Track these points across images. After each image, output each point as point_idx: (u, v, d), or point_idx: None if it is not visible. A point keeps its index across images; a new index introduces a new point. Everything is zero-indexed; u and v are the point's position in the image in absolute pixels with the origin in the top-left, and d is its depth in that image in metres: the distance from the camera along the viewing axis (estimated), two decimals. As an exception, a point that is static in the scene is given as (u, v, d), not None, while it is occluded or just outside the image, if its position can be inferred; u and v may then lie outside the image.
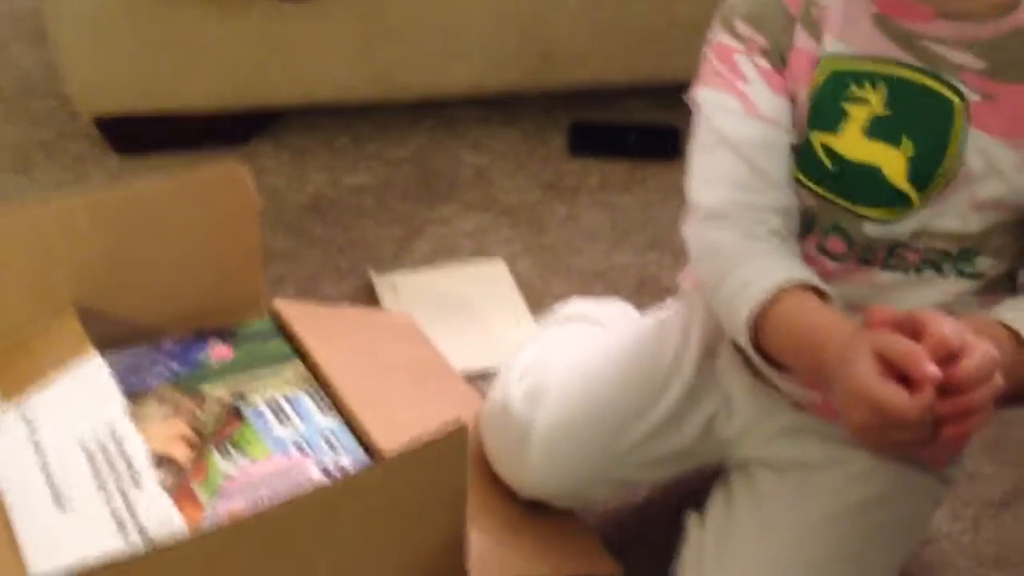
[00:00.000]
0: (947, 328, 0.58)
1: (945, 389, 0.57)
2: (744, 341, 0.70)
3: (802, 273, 0.69)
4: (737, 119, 0.73)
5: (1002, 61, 0.67)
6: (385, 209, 1.32)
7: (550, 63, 1.38)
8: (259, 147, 1.42)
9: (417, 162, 1.40)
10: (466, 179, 1.38)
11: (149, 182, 0.79)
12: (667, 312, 0.87)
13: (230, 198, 0.82)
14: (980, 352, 0.57)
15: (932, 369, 0.56)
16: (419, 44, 1.34)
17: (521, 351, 0.94)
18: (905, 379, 0.57)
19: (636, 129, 1.44)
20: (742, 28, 0.73)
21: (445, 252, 1.25)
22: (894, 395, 0.57)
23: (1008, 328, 0.65)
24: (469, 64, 1.36)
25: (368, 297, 1.17)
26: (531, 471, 0.81)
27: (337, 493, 0.60)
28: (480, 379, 1.06)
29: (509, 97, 1.45)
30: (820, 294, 0.69)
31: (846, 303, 0.72)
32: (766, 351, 0.70)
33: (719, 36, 0.75)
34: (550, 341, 0.94)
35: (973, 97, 0.68)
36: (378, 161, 1.40)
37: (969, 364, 0.57)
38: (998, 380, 0.58)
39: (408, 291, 1.17)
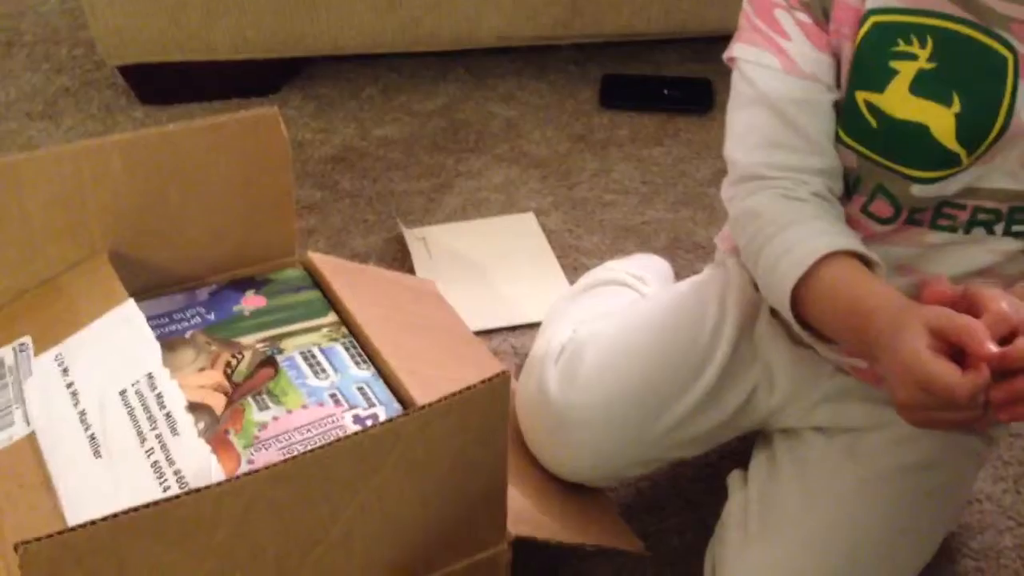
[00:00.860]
0: (1005, 304, 0.55)
1: (997, 370, 0.54)
2: (786, 310, 0.68)
3: (846, 240, 0.67)
4: (777, 76, 0.70)
5: None
6: (414, 161, 1.30)
7: (581, 12, 1.35)
8: (286, 98, 1.40)
9: (446, 114, 1.38)
10: (495, 131, 1.36)
11: (182, 125, 0.77)
12: (702, 279, 0.85)
13: (263, 143, 0.81)
14: None
15: (992, 347, 0.54)
16: (450, -8, 1.32)
17: (553, 324, 0.92)
18: (957, 358, 0.55)
19: (668, 81, 1.41)
20: None
21: (474, 205, 1.23)
22: (946, 372, 0.54)
23: None
24: (499, 13, 1.34)
25: (397, 250, 1.16)
26: (569, 456, 0.79)
27: (375, 440, 0.59)
28: (510, 333, 1.05)
29: (539, 48, 1.43)
30: (866, 262, 0.66)
31: (893, 263, 0.70)
32: (808, 321, 0.68)
33: None
34: (583, 315, 0.91)
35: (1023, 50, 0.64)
36: (406, 113, 1.38)
37: None
38: None
39: (438, 244, 1.15)
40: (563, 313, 0.94)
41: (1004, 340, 0.55)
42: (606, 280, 0.99)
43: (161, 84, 1.35)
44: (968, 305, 0.57)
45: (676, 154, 1.31)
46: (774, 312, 0.76)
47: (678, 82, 1.41)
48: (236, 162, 0.81)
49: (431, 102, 1.40)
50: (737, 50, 0.72)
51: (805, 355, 0.77)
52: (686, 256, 1.15)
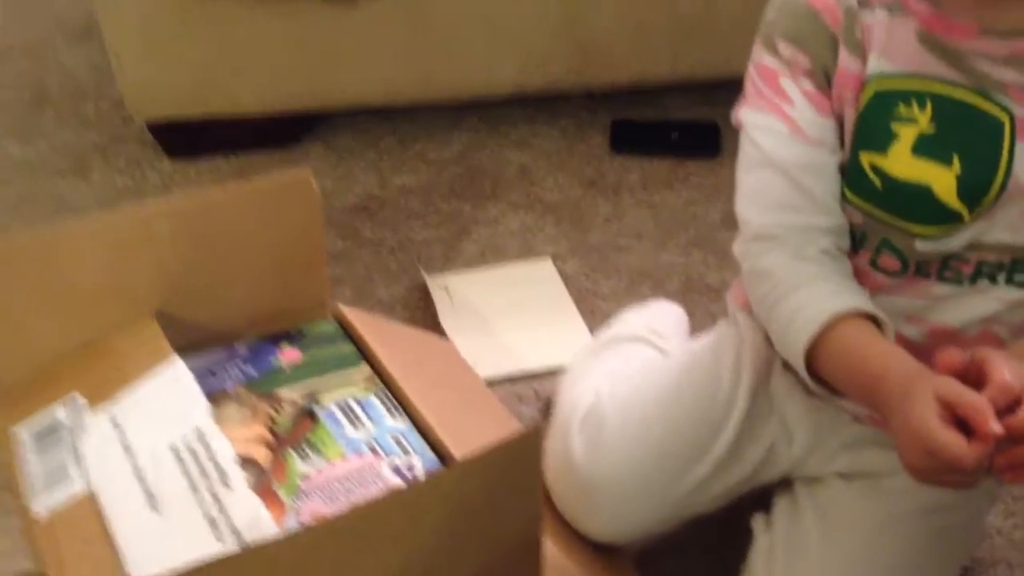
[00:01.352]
0: (1008, 375, 0.59)
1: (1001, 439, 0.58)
2: (801, 369, 0.71)
3: (855, 300, 0.70)
4: (783, 141, 0.73)
5: None
6: (432, 209, 1.34)
7: (591, 61, 1.40)
8: (307, 149, 1.44)
9: (461, 162, 1.43)
10: (510, 178, 1.40)
11: (221, 190, 0.81)
12: (716, 338, 0.88)
13: (297, 204, 0.85)
14: None
15: (996, 426, 0.57)
16: (462, 45, 1.36)
17: (576, 384, 0.95)
18: (964, 424, 0.59)
19: (677, 126, 1.46)
20: (784, 49, 0.73)
21: (493, 251, 1.28)
22: (953, 443, 0.58)
23: None
24: (511, 63, 1.39)
25: (420, 298, 1.20)
26: (596, 520, 0.83)
27: (420, 494, 0.62)
28: (533, 379, 1.09)
29: (551, 96, 1.47)
30: (875, 321, 0.70)
31: (902, 313, 0.74)
32: (821, 377, 0.71)
33: (762, 56, 0.75)
34: (604, 378, 0.94)
35: (1020, 113, 0.68)
36: (423, 161, 1.43)
37: None
38: None
39: (460, 292, 1.19)
40: (585, 371, 0.98)
41: (1009, 407, 0.58)
42: (626, 336, 1.03)
43: (187, 138, 1.40)
44: (976, 372, 0.60)
45: (686, 197, 1.36)
46: (787, 366, 0.79)
47: (686, 127, 1.45)
48: (272, 222, 0.85)
49: (447, 150, 1.45)
50: (744, 115, 0.76)
51: (821, 406, 0.81)
52: (699, 299, 1.19)
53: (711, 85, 1.45)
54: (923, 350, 0.72)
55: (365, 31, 1.33)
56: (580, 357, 1.02)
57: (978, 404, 0.58)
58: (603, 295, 1.20)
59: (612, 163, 1.42)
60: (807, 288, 0.71)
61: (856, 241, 0.75)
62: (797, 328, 0.70)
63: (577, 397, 0.91)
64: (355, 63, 1.35)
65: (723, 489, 0.83)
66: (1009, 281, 0.73)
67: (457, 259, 1.26)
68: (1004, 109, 0.68)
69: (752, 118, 0.75)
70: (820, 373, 0.71)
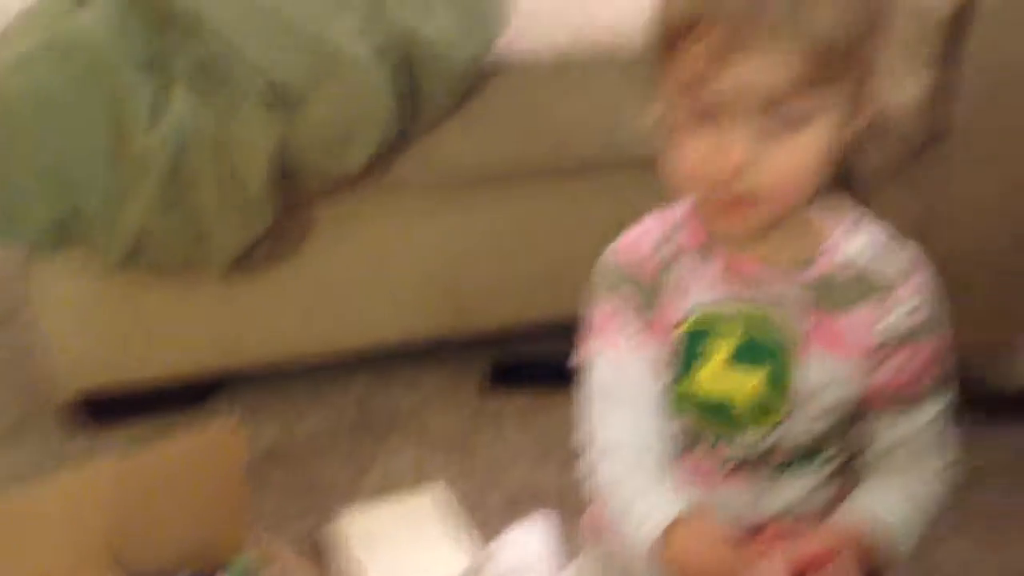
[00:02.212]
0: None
1: None
2: (649, 571, 0.83)
3: (684, 504, 0.81)
4: (615, 372, 0.86)
5: (821, 297, 0.83)
6: (336, 451, 1.49)
7: (468, 311, 1.60)
8: (217, 406, 1.59)
9: (359, 406, 1.59)
10: (403, 416, 1.56)
11: (157, 447, 0.95)
12: (578, 568, 1.00)
13: (222, 452, 0.99)
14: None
15: None
16: (355, 305, 1.55)
17: None
18: None
19: (549, 362, 1.65)
20: (611, 298, 0.86)
21: (392, 483, 1.42)
22: None
23: (859, 525, 0.82)
24: (399, 318, 1.58)
25: (327, 536, 1.33)
26: None
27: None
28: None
29: (436, 342, 1.66)
30: (705, 517, 0.81)
31: (732, 506, 0.88)
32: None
33: (595, 301, 0.88)
34: None
35: (805, 326, 0.82)
36: (324, 408, 1.59)
37: None
38: None
39: (362, 525, 1.33)
40: None
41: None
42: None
43: (106, 406, 1.53)
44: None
45: (561, 420, 1.49)
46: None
47: (556, 362, 1.64)
48: (202, 471, 0.99)
49: (345, 396, 1.61)
50: (583, 346, 0.91)
51: None
52: (575, 507, 1.34)
53: (576, 324, 1.67)
54: (751, 538, 0.87)
55: (266, 298, 1.50)
56: None
57: None
58: (489, 509, 1.36)
59: (493, 398, 1.60)
60: (645, 497, 0.82)
61: (688, 442, 0.90)
62: (644, 535, 0.81)
63: None
64: (258, 327, 1.52)
65: None
66: (810, 468, 0.89)
67: (360, 493, 1.40)
68: (791, 325, 0.83)
69: (589, 348, 0.89)
70: (669, 572, 0.82)
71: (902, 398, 0.86)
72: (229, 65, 1.28)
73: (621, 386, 0.87)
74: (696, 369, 0.86)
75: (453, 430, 1.53)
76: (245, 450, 1.00)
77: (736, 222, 0.81)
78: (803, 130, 0.75)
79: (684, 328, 0.86)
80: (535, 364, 1.65)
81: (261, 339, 1.53)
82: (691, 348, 0.86)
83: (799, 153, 0.76)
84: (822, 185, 0.82)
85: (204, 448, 0.98)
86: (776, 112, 0.75)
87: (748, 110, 0.75)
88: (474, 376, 1.65)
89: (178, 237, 1.32)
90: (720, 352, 0.85)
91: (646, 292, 0.86)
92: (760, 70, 0.73)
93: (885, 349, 0.84)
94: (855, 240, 0.85)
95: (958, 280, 1.40)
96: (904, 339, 0.84)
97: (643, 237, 0.89)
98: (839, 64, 0.73)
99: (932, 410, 0.87)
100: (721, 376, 0.86)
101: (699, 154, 0.77)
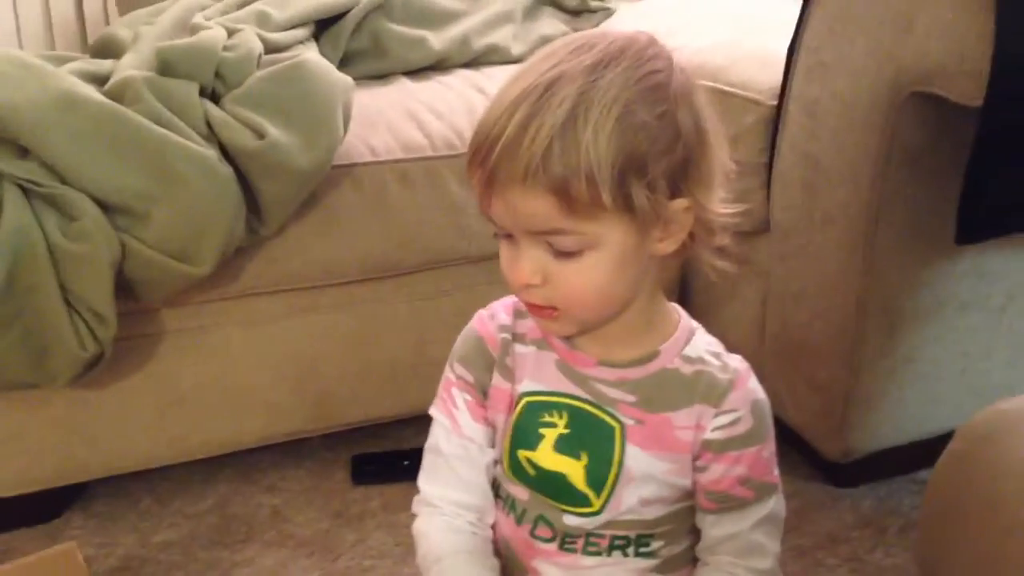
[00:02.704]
0: None
1: None
2: None
3: None
4: (448, 435, 0.94)
5: (645, 396, 0.88)
6: (192, 559, 1.46)
7: (325, 408, 1.60)
8: (68, 519, 1.54)
9: (217, 511, 1.57)
10: (263, 519, 1.55)
11: (-4, 571, 0.93)
12: None
13: (65, 572, 0.97)
14: None
15: None
16: (209, 407, 1.53)
17: None
18: None
19: (408, 454, 1.67)
20: (457, 368, 0.94)
21: (253, 590, 1.40)
22: None
23: None
24: (255, 419, 1.57)
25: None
26: None
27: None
28: None
29: (295, 440, 1.66)
30: None
31: None
32: None
33: (447, 370, 0.95)
34: None
35: (628, 422, 0.87)
36: (182, 516, 1.56)
37: None
38: None
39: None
40: None
41: None
42: None
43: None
44: None
45: (422, 515, 1.55)
46: None
47: (415, 453, 1.63)
48: None
49: (203, 503, 1.59)
50: (431, 410, 0.98)
51: None
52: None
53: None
54: None
55: (115, 406, 1.47)
56: None
57: None
58: (354, 614, 1.35)
59: (355, 493, 1.60)
60: (450, 559, 0.91)
61: (519, 515, 0.94)
62: None
63: None
64: (109, 435, 1.49)
65: None
66: (637, 554, 0.92)
67: (219, 603, 1.38)
68: (615, 419, 0.88)
69: (434, 413, 0.97)
70: None
71: (725, 500, 0.90)
72: (64, 180, 1.28)
73: (451, 449, 0.95)
74: (536, 443, 0.91)
75: (315, 532, 1.52)
76: (86, 573, 0.98)
77: (546, 324, 0.88)
78: (587, 253, 0.81)
79: (515, 413, 0.92)
80: (399, 455, 1.66)
81: (111, 450, 1.50)
82: (532, 422, 0.91)
83: (585, 274, 0.82)
84: (645, 291, 0.87)
85: (42, 572, 0.96)
86: (547, 240, 0.81)
87: (526, 235, 0.81)
88: (336, 474, 1.65)
89: (16, 354, 1.29)
90: (547, 439, 0.91)
91: (489, 366, 0.93)
92: (518, 206, 0.79)
93: (707, 454, 0.89)
94: (687, 347, 0.90)
95: (791, 362, 1.50)
96: (725, 446, 0.88)
97: (497, 314, 0.95)
98: (606, 198, 0.77)
99: (755, 515, 0.90)
100: (552, 458, 0.91)
101: (505, 263, 0.85)
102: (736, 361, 0.90)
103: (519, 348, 0.92)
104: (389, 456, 1.67)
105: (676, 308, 0.93)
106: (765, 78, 1.48)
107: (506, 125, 0.78)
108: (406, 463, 1.65)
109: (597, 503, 0.90)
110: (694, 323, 0.92)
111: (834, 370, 1.43)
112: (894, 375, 1.44)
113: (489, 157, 0.79)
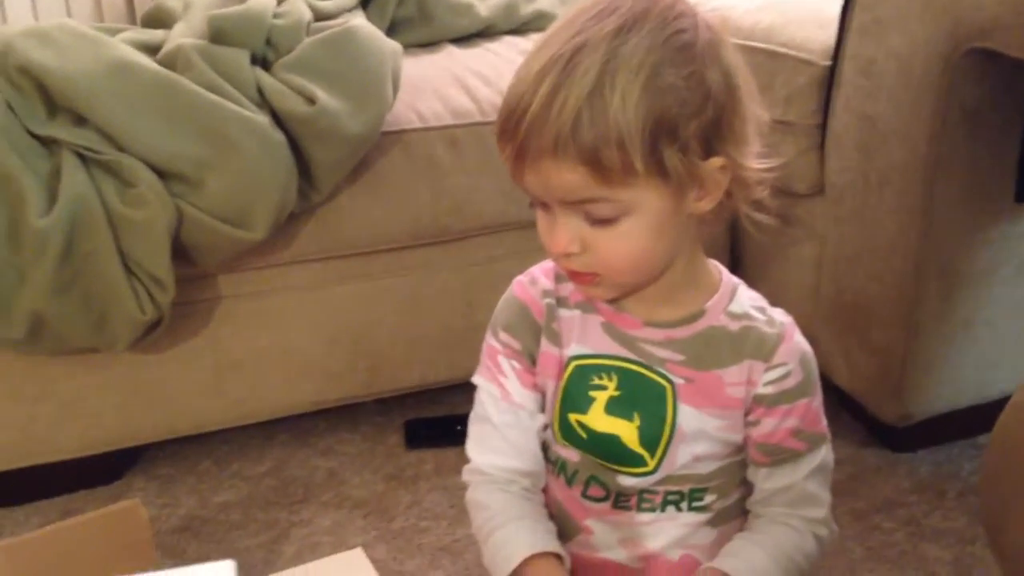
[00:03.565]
0: None
1: None
2: None
3: (543, 543, 0.88)
4: (497, 404, 0.93)
5: (694, 354, 0.87)
6: (251, 520, 1.49)
7: (379, 373, 1.62)
8: (130, 482, 1.58)
9: (275, 474, 1.60)
10: (320, 481, 1.57)
11: (58, 525, 0.95)
12: None
13: (127, 530, 0.99)
14: None
15: None
16: (264, 372, 1.56)
17: None
18: None
19: (461, 418, 1.67)
20: (502, 335, 0.93)
21: (309, 549, 1.43)
22: None
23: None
24: (310, 384, 1.59)
25: (245, 601, 1.33)
26: None
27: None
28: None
29: (349, 405, 1.68)
30: (553, 562, 0.87)
31: (615, 537, 0.93)
32: None
33: (489, 339, 0.94)
34: None
35: (678, 381, 0.87)
36: (240, 478, 1.59)
37: None
38: None
39: (281, 591, 1.33)
40: None
41: None
42: None
43: (12, 486, 1.51)
44: None
45: (475, 478, 1.56)
46: None
47: (468, 418, 1.68)
48: (104, 549, 0.99)
49: (261, 465, 1.62)
50: (475, 378, 0.98)
51: None
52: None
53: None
54: (637, 574, 0.93)
55: (173, 371, 1.51)
56: None
57: None
58: (408, 571, 1.37)
59: (408, 457, 1.62)
60: (509, 526, 0.90)
61: (569, 477, 0.94)
62: (500, 563, 0.89)
63: None
64: (167, 400, 1.53)
65: None
66: (690, 508, 0.92)
67: (277, 562, 1.41)
68: (665, 378, 0.88)
69: (479, 381, 0.96)
70: None
71: (778, 453, 0.90)
72: (120, 148, 1.30)
73: (501, 417, 0.94)
74: (588, 406, 0.91)
75: (371, 494, 1.54)
76: (149, 530, 1.00)
77: (588, 290, 0.88)
78: (623, 219, 0.80)
79: (564, 376, 0.92)
80: (452, 420, 1.68)
81: (170, 413, 1.54)
82: (582, 386, 0.91)
83: (623, 240, 0.81)
84: (685, 250, 0.86)
85: (105, 528, 0.98)
86: (583, 208, 0.80)
87: (561, 204, 0.81)
88: (391, 438, 1.67)
89: (77, 318, 1.32)
90: (598, 402, 0.91)
91: (536, 332, 0.92)
92: (551, 177, 0.79)
93: (759, 409, 0.89)
94: (732, 303, 0.89)
95: (846, 326, 1.48)
96: (777, 399, 0.88)
97: (538, 279, 0.94)
98: (638, 164, 0.77)
99: (807, 465, 0.90)
100: (604, 420, 0.91)
101: (542, 232, 0.84)
102: (780, 315, 0.90)
103: (564, 312, 0.92)
104: (442, 421, 1.68)
105: (716, 265, 0.92)
106: (818, 38, 1.46)
107: (532, 98, 0.78)
108: (459, 427, 1.64)
109: (652, 463, 0.90)
110: (735, 279, 0.92)
111: (891, 333, 1.41)
112: (952, 338, 1.42)
113: (518, 131, 0.79)
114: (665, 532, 0.93)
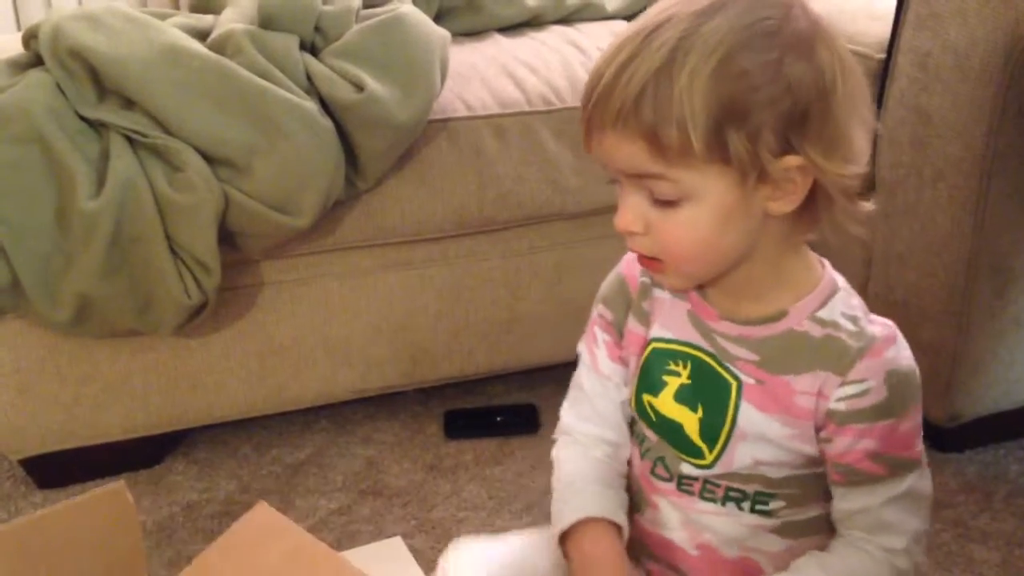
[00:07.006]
0: None
1: None
2: (556, 542, 0.93)
3: (605, 508, 0.91)
4: (588, 372, 0.97)
5: (768, 356, 0.85)
6: (291, 506, 1.49)
7: (419, 363, 1.62)
8: (171, 465, 1.59)
9: (314, 460, 1.60)
10: (359, 469, 1.57)
11: (44, 511, 0.94)
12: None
13: (115, 514, 0.98)
14: None
15: None
16: (305, 360, 1.56)
17: None
18: None
19: (501, 410, 1.68)
20: (600, 307, 0.96)
21: (348, 537, 1.43)
22: None
23: None
24: (351, 372, 1.59)
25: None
26: None
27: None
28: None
29: (389, 394, 1.68)
30: (610, 529, 0.90)
31: (678, 519, 0.92)
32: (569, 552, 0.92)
33: (593, 308, 0.97)
34: None
35: (747, 380, 0.85)
36: (279, 464, 1.59)
37: None
38: None
39: (320, 577, 1.33)
40: None
41: None
42: None
43: (57, 469, 1.53)
44: None
45: (515, 470, 1.56)
46: None
47: (508, 410, 1.67)
48: (91, 534, 0.98)
49: (300, 452, 1.62)
50: (579, 345, 0.99)
51: None
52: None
53: (524, 372, 1.70)
54: (694, 564, 0.92)
55: (216, 356, 1.51)
56: None
57: None
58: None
59: (448, 447, 1.62)
60: (577, 485, 0.93)
61: (643, 451, 0.95)
62: (560, 517, 0.92)
63: None
64: (209, 385, 1.53)
65: None
66: (752, 510, 0.89)
67: (316, 549, 1.41)
68: (733, 375, 0.86)
69: (580, 349, 0.99)
70: (569, 550, 0.92)
71: (853, 474, 0.85)
72: (168, 132, 1.30)
73: (591, 385, 0.98)
74: (660, 389, 0.91)
75: (409, 483, 1.54)
76: (135, 513, 0.99)
77: (657, 276, 0.89)
78: (686, 204, 0.79)
79: (644, 356, 0.93)
80: (491, 411, 1.67)
81: (212, 398, 1.54)
82: (658, 368, 0.92)
83: (685, 226, 0.80)
84: (769, 249, 0.83)
85: (92, 512, 0.97)
86: (646, 185, 0.80)
87: (627, 179, 0.81)
88: (428, 428, 1.66)
89: (123, 301, 1.33)
90: (669, 386, 0.91)
91: (628, 307, 0.94)
92: (613, 149, 0.80)
93: (830, 425, 0.84)
94: (822, 309, 0.85)
95: (897, 324, 1.46)
96: (848, 418, 0.84)
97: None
98: (697, 146, 0.75)
99: (887, 491, 0.85)
100: (671, 407, 0.91)
101: (617, 210, 0.84)
102: (877, 328, 0.85)
103: (657, 293, 0.92)
104: (482, 412, 1.68)
105: (821, 267, 0.88)
106: (871, 30, 1.44)
107: (607, 68, 0.78)
108: (499, 419, 1.66)
109: (709, 457, 0.89)
110: (840, 283, 0.88)
111: (941, 332, 1.39)
112: (1004, 337, 1.39)
113: (590, 98, 0.79)
114: (725, 527, 0.91)
